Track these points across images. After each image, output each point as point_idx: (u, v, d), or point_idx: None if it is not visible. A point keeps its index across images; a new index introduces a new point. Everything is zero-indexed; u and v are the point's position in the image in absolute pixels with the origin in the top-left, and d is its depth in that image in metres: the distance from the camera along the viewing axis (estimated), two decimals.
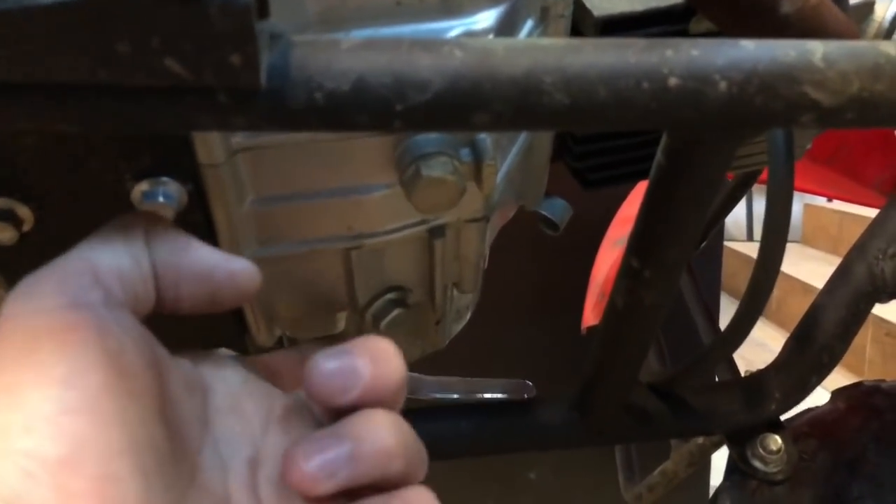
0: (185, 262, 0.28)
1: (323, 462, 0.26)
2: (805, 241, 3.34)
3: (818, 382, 0.47)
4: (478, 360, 0.96)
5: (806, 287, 2.53)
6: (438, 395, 0.57)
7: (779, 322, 2.63)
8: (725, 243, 1.69)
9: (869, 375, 2.42)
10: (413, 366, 0.53)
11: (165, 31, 0.22)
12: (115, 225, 0.27)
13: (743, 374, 0.57)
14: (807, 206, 3.33)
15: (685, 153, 0.31)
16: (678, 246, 0.34)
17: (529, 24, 0.37)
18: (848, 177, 1.04)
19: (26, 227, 0.33)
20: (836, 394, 0.75)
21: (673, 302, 0.38)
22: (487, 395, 0.56)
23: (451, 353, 0.56)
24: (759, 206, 3.55)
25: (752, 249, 3.18)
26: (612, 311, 0.38)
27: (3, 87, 0.24)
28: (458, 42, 0.26)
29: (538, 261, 1.23)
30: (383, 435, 0.27)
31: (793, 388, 0.47)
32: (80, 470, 0.21)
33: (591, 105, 0.26)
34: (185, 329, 0.33)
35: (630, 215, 1.12)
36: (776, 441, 0.47)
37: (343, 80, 0.25)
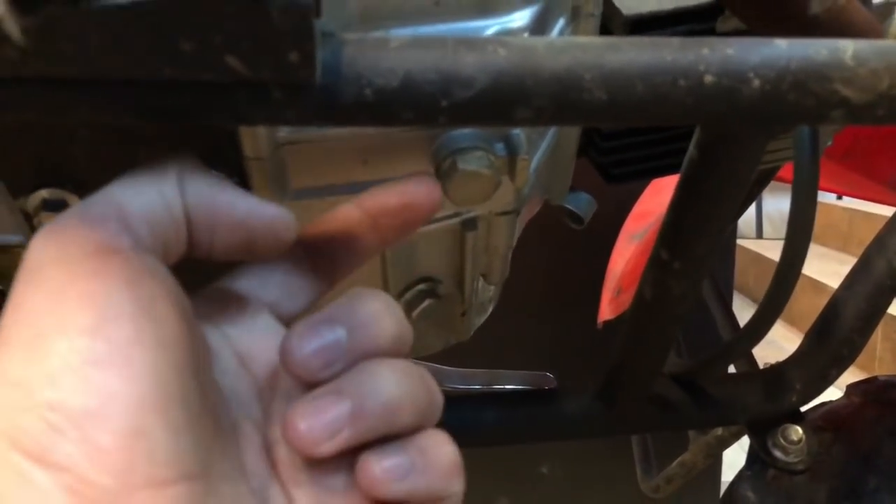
0: (219, 206, 0.27)
1: (323, 423, 0.25)
2: (815, 238, 3.33)
3: (838, 375, 0.48)
4: (496, 352, 0.97)
5: (816, 284, 2.53)
6: (460, 387, 0.58)
7: (788, 319, 2.63)
8: (740, 241, 1.70)
9: (879, 372, 2.41)
10: (434, 357, 0.54)
11: (228, 30, 0.23)
12: (146, 166, 0.26)
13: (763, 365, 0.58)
14: (818, 205, 3.32)
15: (717, 148, 0.32)
16: (707, 238, 0.35)
17: (561, 22, 0.38)
18: (862, 174, 1.05)
19: None
20: (851, 388, 0.75)
21: (700, 291, 0.39)
22: (509, 387, 0.57)
23: (470, 345, 0.57)
24: (769, 204, 3.55)
25: (761, 247, 3.18)
26: (640, 302, 0.39)
27: (70, 83, 0.25)
28: (500, 40, 0.27)
29: (554, 255, 1.24)
30: (387, 387, 0.26)
31: (813, 380, 0.48)
32: (107, 424, 0.20)
33: (629, 101, 0.27)
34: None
35: (646, 210, 1.12)
36: (797, 431, 0.48)
37: (391, 76, 0.26)
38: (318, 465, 0.27)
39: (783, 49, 0.28)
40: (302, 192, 0.36)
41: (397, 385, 0.26)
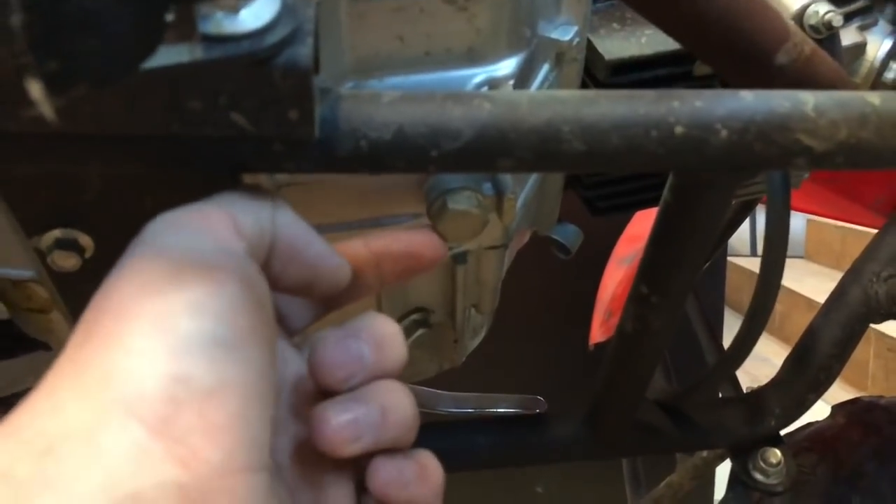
0: (299, 242, 0.29)
1: (351, 423, 0.27)
2: (808, 256, 3.36)
3: (815, 400, 0.50)
4: (490, 373, 0.98)
5: (809, 302, 2.55)
6: (453, 410, 0.60)
7: (782, 337, 2.65)
8: (729, 259, 1.71)
9: (871, 390, 2.43)
10: (427, 380, 0.56)
11: (233, 91, 0.25)
12: (248, 191, 0.28)
13: (745, 390, 0.60)
14: (810, 222, 3.34)
15: (689, 192, 0.34)
16: (683, 274, 0.37)
17: (545, 68, 0.40)
18: (847, 197, 1.07)
19: (88, 255, 0.36)
20: (836, 409, 0.77)
21: (678, 324, 0.41)
22: (501, 410, 0.59)
23: (464, 367, 0.58)
24: (763, 222, 3.58)
25: (755, 265, 3.19)
26: (621, 334, 0.41)
27: (86, 138, 0.27)
28: (486, 95, 0.30)
29: (547, 277, 1.25)
30: (405, 403, 0.29)
31: (791, 405, 0.49)
32: (224, 404, 0.21)
33: (605, 151, 0.29)
34: None
35: (636, 234, 1.15)
36: (776, 454, 0.50)
37: (385, 130, 0.28)
38: (318, 476, 0.29)
39: (749, 101, 0.30)
40: None
41: (410, 403, 0.29)
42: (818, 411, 0.73)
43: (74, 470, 0.19)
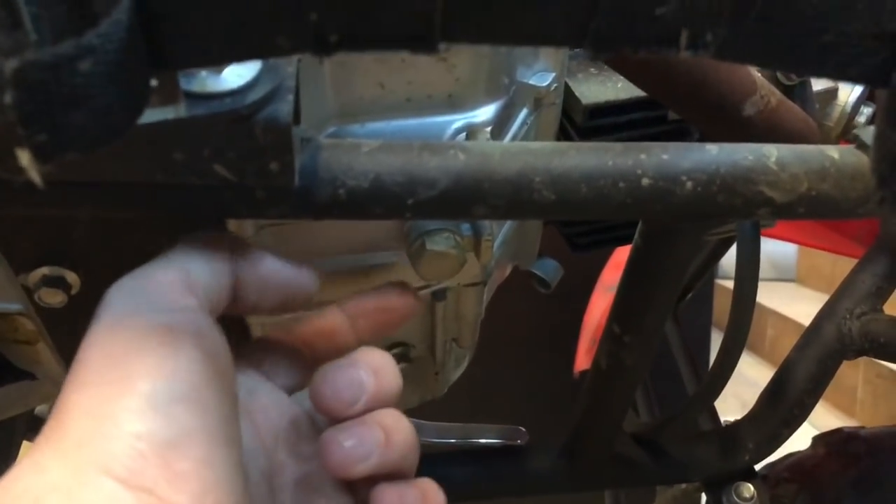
0: (269, 275, 0.31)
1: (360, 444, 0.29)
2: (800, 280, 3.38)
3: (789, 435, 0.51)
4: (475, 399, 0.99)
5: (799, 327, 2.55)
6: (436, 441, 0.60)
7: (773, 362, 2.66)
8: (720, 281, 1.73)
9: (860, 416, 2.44)
10: (412, 410, 0.56)
11: (215, 144, 0.26)
12: (201, 240, 0.30)
13: (723, 422, 0.61)
14: (801, 247, 3.36)
15: (658, 237, 0.35)
16: (654, 315, 0.38)
17: (524, 112, 0.41)
18: (830, 228, 1.09)
19: (74, 291, 0.37)
20: (817, 440, 0.78)
21: (653, 360, 0.42)
22: (483, 441, 0.60)
23: (450, 393, 0.59)
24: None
25: None
26: (596, 371, 0.42)
27: (75, 184, 0.28)
28: (461, 145, 0.31)
29: (532, 305, 1.26)
30: (406, 427, 0.31)
31: (765, 440, 0.50)
32: (186, 453, 0.23)
33: (574, 200, 0.31)
34: None
35: (622, 261, 1.16)
36: (749, 489, 0.51)
37: (363, 178, 0.29)
38: None
39: (713, 154, 0.31)
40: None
41: (410, 428, 0.31)
42: (801, 440, 0.75)
43: None
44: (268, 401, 0.33)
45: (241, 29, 0.20)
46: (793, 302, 3.04)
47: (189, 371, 0.25)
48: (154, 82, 0.22)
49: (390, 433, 0.30)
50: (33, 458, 0.23)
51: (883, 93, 0.22)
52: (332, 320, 0.35)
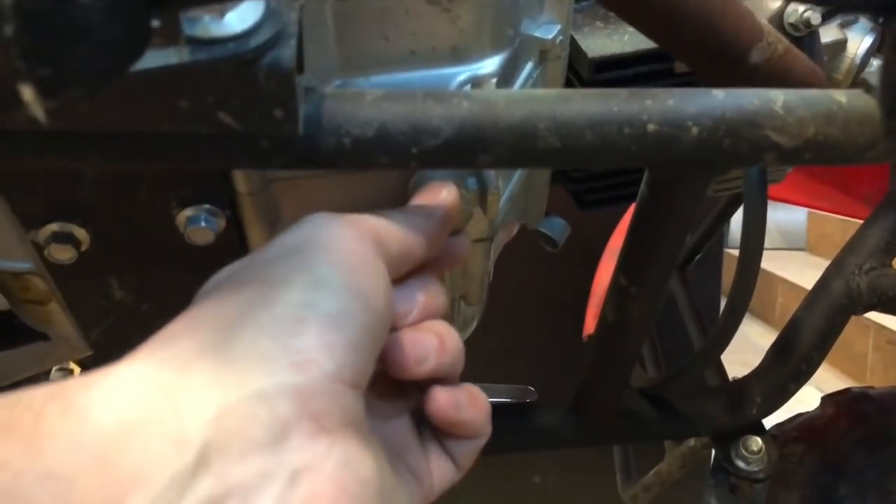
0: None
1: (417, 345, 0.32)
2: (810, 248, 3.36)
3: (796, 389, 0.51)
4: (483, 363, 0.99)
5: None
6: None
7: (779, 327, 2.66)
8: (729, 250, 1.72)
9: (870, 382, 2.44)
10: None
11: (219, 90, 0.26)
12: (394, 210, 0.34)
13: (731, 379, 0.61)
14: (811, 215, 3.34)
15: (664, 186, 0.35)
16: (660, 266, 0.38)
17: (529, 65, 0.41)
18: (841, 191, 1.08)
19: (83, 248, 0.37)
20: (825, 399, 0.78)
21: (658, 314, 0.42)
22: (492, 400, 0.60)
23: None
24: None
25: None
26: (603, 324, 0.42)
27: (81, 136, 0.28)
28: (464, 94, 0.31)
29: (542, 269, 1.27)
30: (454, 334, 0.34)
31: (772, 395, 0.50)
32: (342, 329, 0.26)
33: (579, 147, 0.31)
34: None
35: None
36: (757, 442, 0.51)
37: (367, 127, 0.29)
38: (381, 424, 0.34)
39: (719, 99, 0.31)
40: (292, 224, 0.39)
41: (456, 335, 0.34)
42: (811, 401, 0.75)
43: (210, 374, 0.24)
44: None
45: None
46: (803, 270, 3.03)
47: (358, 274, 0.28)
48: (156, 23, 0.22)
49: (443, 339, 0.33)
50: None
51: (890, 22, 0.21)
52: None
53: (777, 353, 0.51)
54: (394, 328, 0.33)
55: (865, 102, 0.32)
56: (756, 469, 0.50)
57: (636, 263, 0.38)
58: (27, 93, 0.18)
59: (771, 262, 3.15)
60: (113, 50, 0.19)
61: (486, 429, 0.36)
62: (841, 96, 0.32)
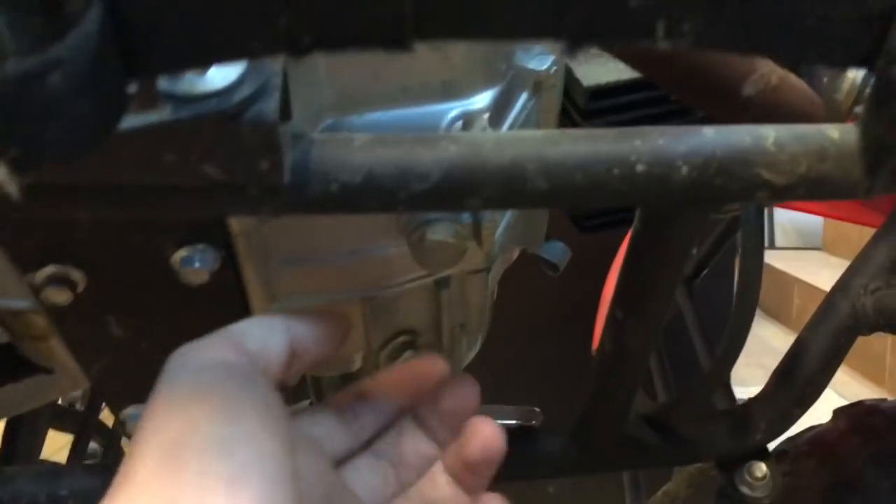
0: (318, 341, 0.35)
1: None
2: (826, 248, 3.33)
3: (801, 414, 0.50)
4: (493, 375, 0.99)
5: (825, 295, 2.52)
6: None
7: (799, 330, 2.63)
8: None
9: (889, 385, 2.42)
10: None
11: (203, 145, 0.27)
12: (260, 317, 0.34)
13: (738, 401, 0.61)
14: None
15: (656, 223, 0.34)
16: (656, 300, 0.38)
17: (524, 97, 0.41)
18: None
19: (79, 289, 0.38)
20: (838, 413, 0.77)
21: (658, 342, 0.42)
22: (498, 421, 0.60)
23: (467, 369, 0.59)
24: (780, 214, 3.55)
25: (770, 257, 3.17)
26: (601, 354, 0.42)
27: (67, 187, 0.28)
28: (452, 137, 0.31)
29: (552, 280, 1.26)
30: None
31: (777, 420, 0.50)
32: (246, 487, 0.26)
33: (569, 189, 0.30)
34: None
35: None
36: (761, 468, 0.50)
37: (355, 173, 0.29)
38: None
39: (709, 137, 0.31)
40: (287, 261, 0.40)
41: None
42: (827, 410, 0.74)
43: None
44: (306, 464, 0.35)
45: (213, 35, 0.20)
46: (819, 270, 3.00)
47: (245, 415, 0.27)
48: (133, 88, 0.22)
49: None
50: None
51: (867, 79, 0.21)
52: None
53: (781, 377, 0.50)
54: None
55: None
56: (761, 495, 0.50)
57: (631, 297, 0.38)
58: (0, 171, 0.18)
59: (787, 262, 3.12)
60: (86, 126, 0.19)
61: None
62: (833, 132, 0.31)
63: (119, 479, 0.26)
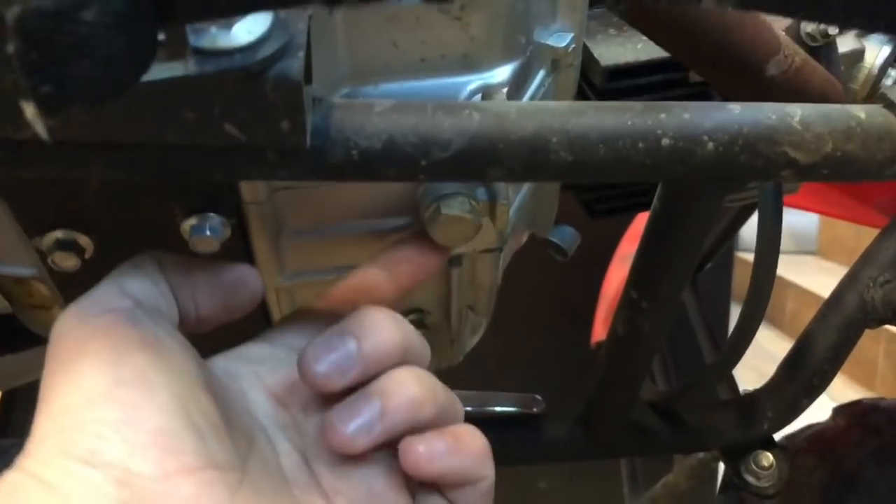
0: (194, 275, 0.32)
1: (358, 424, 0.30)
2: (821, 253, 3.34)
3: (809, 404, 0.50)
4: (491, 369, 0.99)
5: (820, 300, 2.50)
6: None
7: (793, 335, 2.62)
8: (741, 254, 1.71)
9: (880, 389, 2.42)
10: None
11: (226, 102, 0.26)
12: (130, 261, 0.32)
13: (742, 392, 0.60)
14: (823, 218, 3.32)
15: (677, 201, 0.34)
16: (672, 280, 0.37)
17: (541, 74, 0.40)
18: (853, 198, 1.07)
19: (87, 255, 0.37)
20: (837, 411, 0.77)
21: (670, 327, 0.42)
22: (499, 409, 0.60)
23: (466, 363, 0.59)
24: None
25: None
26: (613, 337, 0.41)
27: (85, 145, 0.28)
28: (476, 105, 0.30)
29: (551, 274, 1.26)
30: (408, 386, 0.31)
31: (784, 409, 0.50)
32: (139, 426, 0.26)
33: (592, 161, 0.30)
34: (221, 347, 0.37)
35: (640, 231, 1.15)
36: (768, 458, 0.50)
37: (376, 139, 0.29)
38: (355, 470, 0.32)
39: (736, 113, 0.31)
40: (297, 233, 0.39)
41: (417, 383, 0.31)
42: (821, 413, 0.74)
43: None
44: (284, 375, 0.34)
45: None
46: (814, 275, 3.01)
47: (129, 357, 0.27)
48: (162, 36, 0.21)
49: (388, 398, 0.31)
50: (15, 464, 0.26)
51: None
52: (369, 275, 0.36)
53: (789, 367, 0.50)
54: (331, 392, 0.31)
55: (885, 118, 0.31)
56: (767, 485, 0.49)
57: (648, 278, 0.38)
58: (29, 110, 0.18)
59: (781, 267, 3.10)
60: (117, 66, 0.18)
61: (483, 471, 0.33)
62: (860, 112, 0.31)
63: (20, 457, 0.26)
